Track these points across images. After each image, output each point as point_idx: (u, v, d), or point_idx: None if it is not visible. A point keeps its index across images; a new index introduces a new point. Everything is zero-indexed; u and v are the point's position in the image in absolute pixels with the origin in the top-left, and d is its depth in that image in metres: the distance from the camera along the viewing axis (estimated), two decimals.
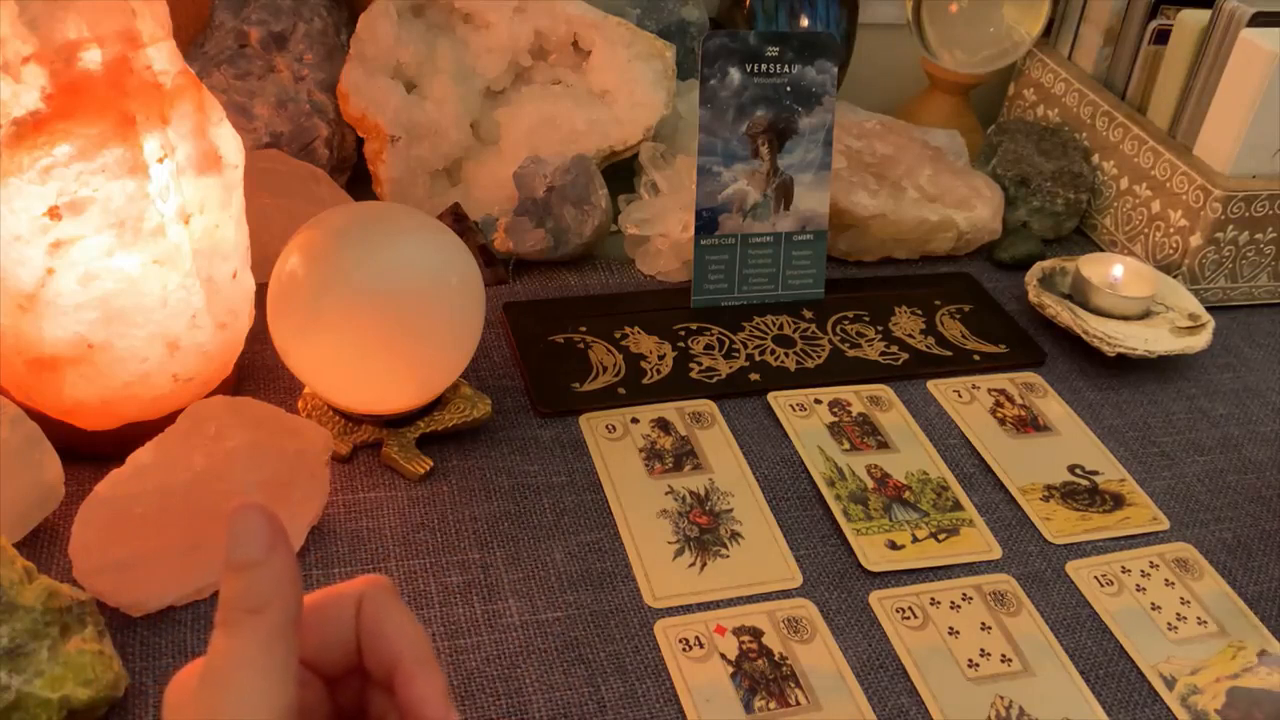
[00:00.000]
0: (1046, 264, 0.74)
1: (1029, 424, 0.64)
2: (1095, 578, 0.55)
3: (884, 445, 0.61)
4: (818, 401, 0.64)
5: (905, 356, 0.68)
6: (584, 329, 0.66)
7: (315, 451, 0.50)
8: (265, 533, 0.26)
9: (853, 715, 0.47)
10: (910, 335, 0.70)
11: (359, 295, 0.51)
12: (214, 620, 0.26)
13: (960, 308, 0.73)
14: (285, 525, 0.26)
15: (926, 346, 0.69)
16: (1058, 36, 0.89)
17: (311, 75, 0.71)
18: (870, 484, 0.58)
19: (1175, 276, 0.75)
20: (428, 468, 0.55)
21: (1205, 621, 0.53)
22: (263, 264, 0.56)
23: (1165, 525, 0.58)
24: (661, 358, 0.65)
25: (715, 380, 0.64)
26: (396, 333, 0.51)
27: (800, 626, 0.50)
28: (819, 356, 0.67)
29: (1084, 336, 0.68)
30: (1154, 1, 0.80)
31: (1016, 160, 0.81)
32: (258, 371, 0.60)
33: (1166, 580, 0.55)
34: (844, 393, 0.64)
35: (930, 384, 0.66)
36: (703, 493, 0.56)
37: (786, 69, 0.67)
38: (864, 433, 0.62)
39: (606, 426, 0.60)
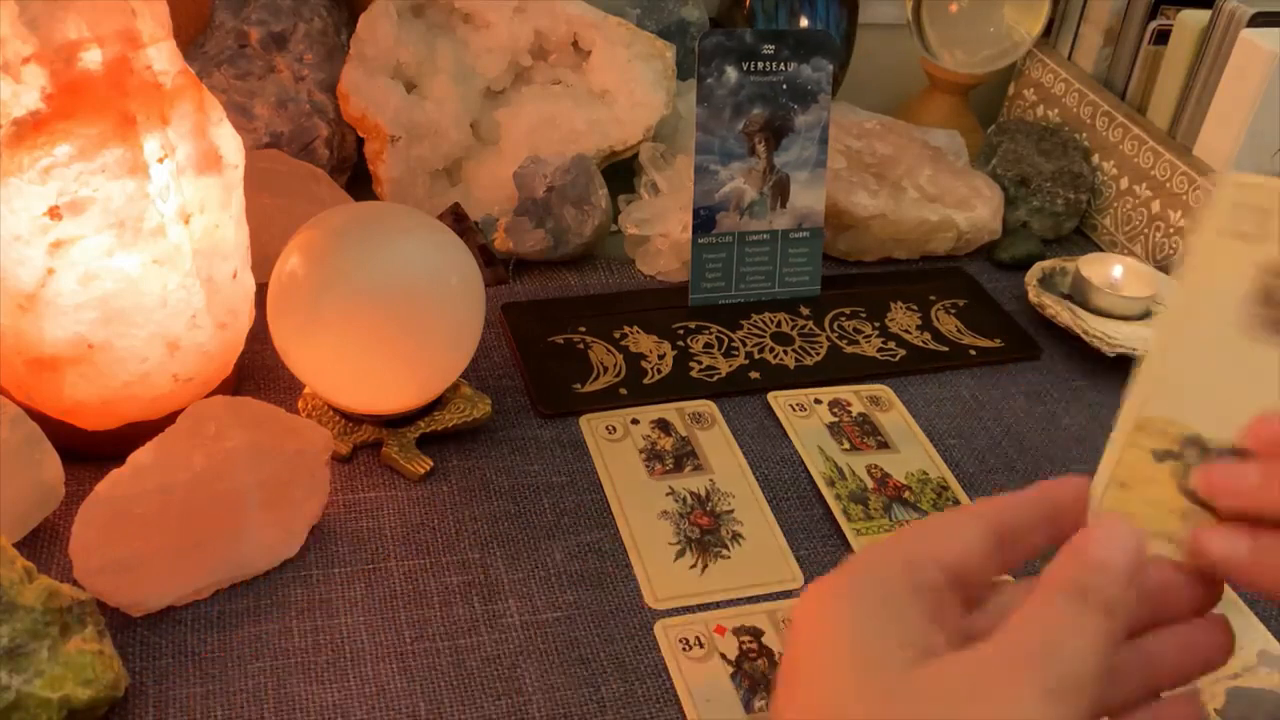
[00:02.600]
0: (1046, 264, 0.74)
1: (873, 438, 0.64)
2: None
3: (884, 445, 0.61)
4: (818, 401, 0.64)
5: (902, 353, 0.68)
6: (584, 329, 0.66)
7: (315, 451, 0.50)
8: (1135, 561, 0.28)
9: None
10: (906, 331, 0.70)
11: (359, 295, 0.51)
12: (1049, 586, 0.27)
13: (955, 303, 0.73)
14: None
15: (923, 342, 0.69)
16: (1058, 36, 0.89)
17: (312, 75, 0.71)
18: (870, 484, 0.58)
19: (1175, 277, 0.75)
20: (428, 468, 0.55)
21: None
22: (263, 264, 0.56)
23: None
24: (661, 357, 0.65)
25: (715, 379, 0.64)
26: (396, 333, 0.51)
27: None
28: (818, 354, 0.67)
29: (1084, 336, 0.68)
30: (1154, 2, 0.80)
31: (1016, 160, 0.81)
32: (258, 371, 0.60)
33: None
34: (844, 392, 0.64)
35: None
36: (704, 494, 0.56)
37: (782, 67, 0.67)
38: (864, 433, 0.62)
39: (607, 427, 0.60)
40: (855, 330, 0.69)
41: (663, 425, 0.60)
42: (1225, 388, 0.31)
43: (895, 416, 0.63)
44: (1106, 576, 0.27)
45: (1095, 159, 0.83)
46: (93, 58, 0.45)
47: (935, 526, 0.29)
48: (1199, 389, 0.31)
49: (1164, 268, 0.76)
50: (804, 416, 0.62)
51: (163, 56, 0.47)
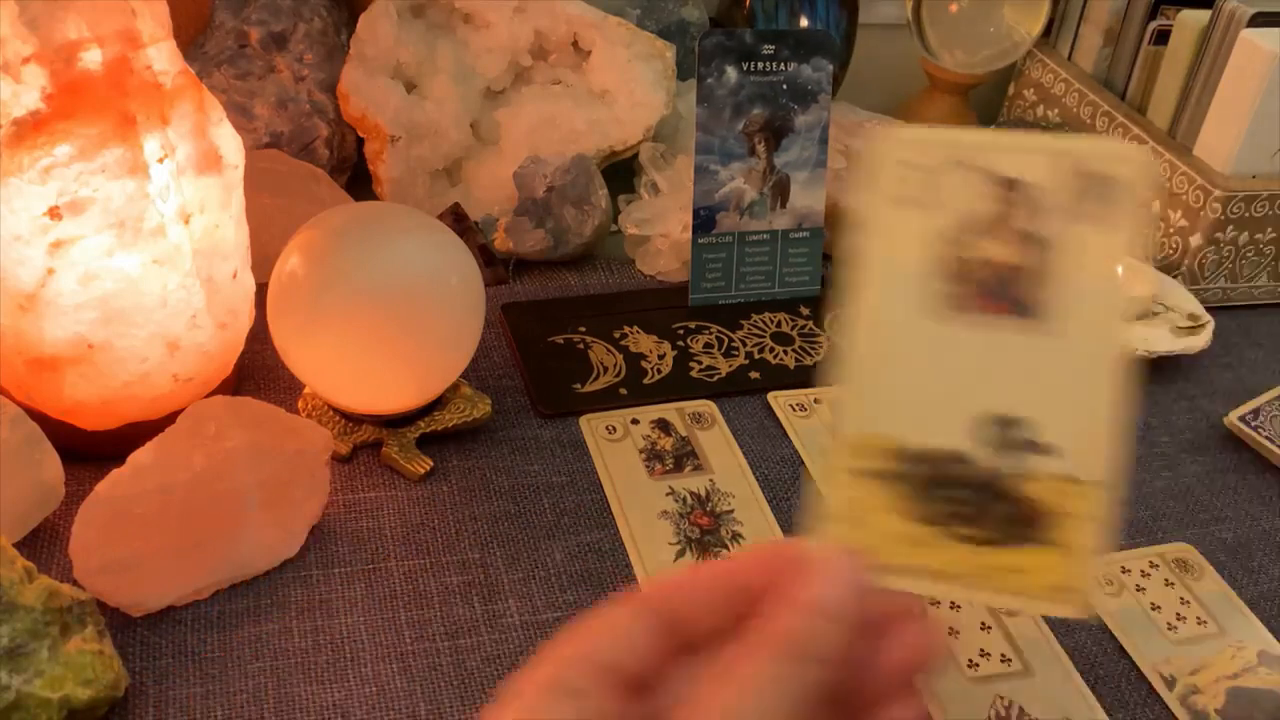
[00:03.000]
0: None
1: None
2: (1095, 578, 0.55)
3: None
4: (818, 401, 0.63)
5: None
6: (584, 329, 0.66)
7: (315, 451, 0.50)
8: (858, 597, 0.26)
9: None
10: None
11: (359, 295, 0.51)
12: (752, 638, 0.26)
13: None
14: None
15: None
16: (1058, 36, 0.89)
17: (312, 75, 0.71)
18: None
19: (1175, 277, 0.75)
20: (428, 468, 0.55)
21: (1205, 621, 0.53)
22: (263, 264, 0.56)
23: None
24: (661, 357, 0.65)
25: (715, 379, 0.64)
26: (396, 333, 0.51)
27: None
28: (818, 354, 0.67)
29: None
30: (1154, 2, 0.80)
31: None
32: (258, 371, 0.60)
33: (1166, 580, 0.55)
34: None
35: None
36: (704, 494, 0.56)
37: (783, 67, 0.67)
38: None
39: (606, 428, 0.60)
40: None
41: (663, 425, 0.60)
42: (928, 384, 0.28)
43: None
44: (818, 624, 0.26)
45: None
46: (93, 58, 0.45)
47: (592, 625, 0.28)
48: (901, 391, 0.28)
49: (1165, 268, 0.76)
50: (804, 416, 0.62)
51: (163, 56, 0.47)
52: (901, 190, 0.28)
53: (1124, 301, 0.28)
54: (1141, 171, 0.27)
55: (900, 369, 0.28)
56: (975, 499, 0.28)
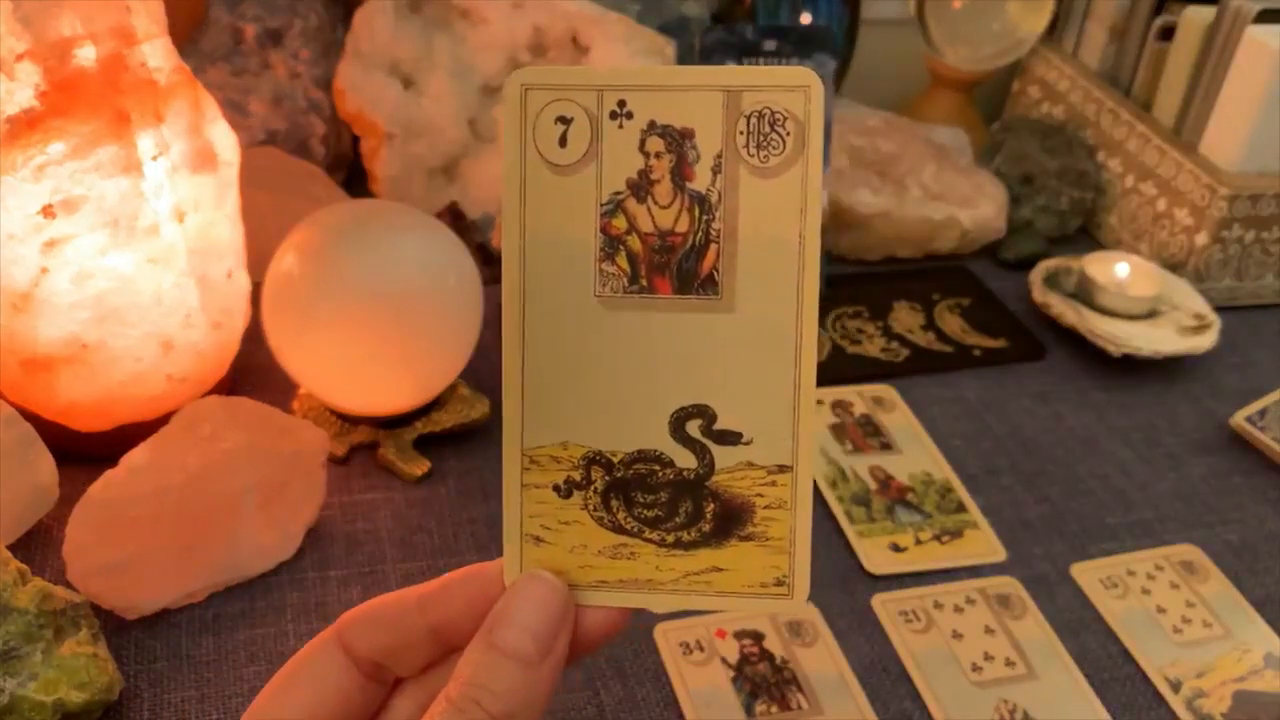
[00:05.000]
0: (1051, 263, 0.74)
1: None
2: (1100, 580, 0.54)
3: (887, 447, 0.61)
4: (820, 402, 0.63)
5: (906, 353, 0.67)
6: None
7: (311, 452, 0.50)
8: (555, 625, 0.24)
9: (855, 719, 0.46)
10: (910, 331, 0.69)
11: (355, 294, 0.50)
12: (446, 692, 0.24)
13: (959, 302, 0.72)
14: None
15: (927, 343, 0.68)
16: (1062, 33, 0.88)
17: (308, 72, 0.71)
18: (873, 486, 0.58)
19: (1181, 275, 0.75)
20: (425, 469, 0.54)
21: (1211, 624, 0.53)
22: (258, 263, 0.55)
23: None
24: None
25: None
26: (393, 332, 0.51)
27: (802, 630, 0.49)
28: (821, 354, 0.66)
29: (1088, 337, 0.68)
30: None
31: (1021, 158, 0.81)
32: (253, 372, 0.59)
33: (1172, 583, 0.55)
34: (847, 393, 0.64)
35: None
36: None
37: (784, 64, 0.66)
38: (867, 434, 0.61)
39: None
40: (858, 330, 0.69)
41: None
42: (605, 381, 0.25)
43: (899, 417, 0.63)
44: (503, 667, 0.24)
45: (1100, 156, 0.82)
46: (87, 55, 0.44)
47: (293, 677, 0.27)
48: (575, 393, 0.25)
49: (1170, 267, 0.75)
50: None
51: (157, 53, 0.47)
52: (556, 149, 0.24)
53: (802, 264, 0.24)
54: (815, 102, 0.24)
55: (572, 368, 0.25)
56: (667, 500, 0.26)
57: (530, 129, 0.24)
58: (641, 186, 0.24)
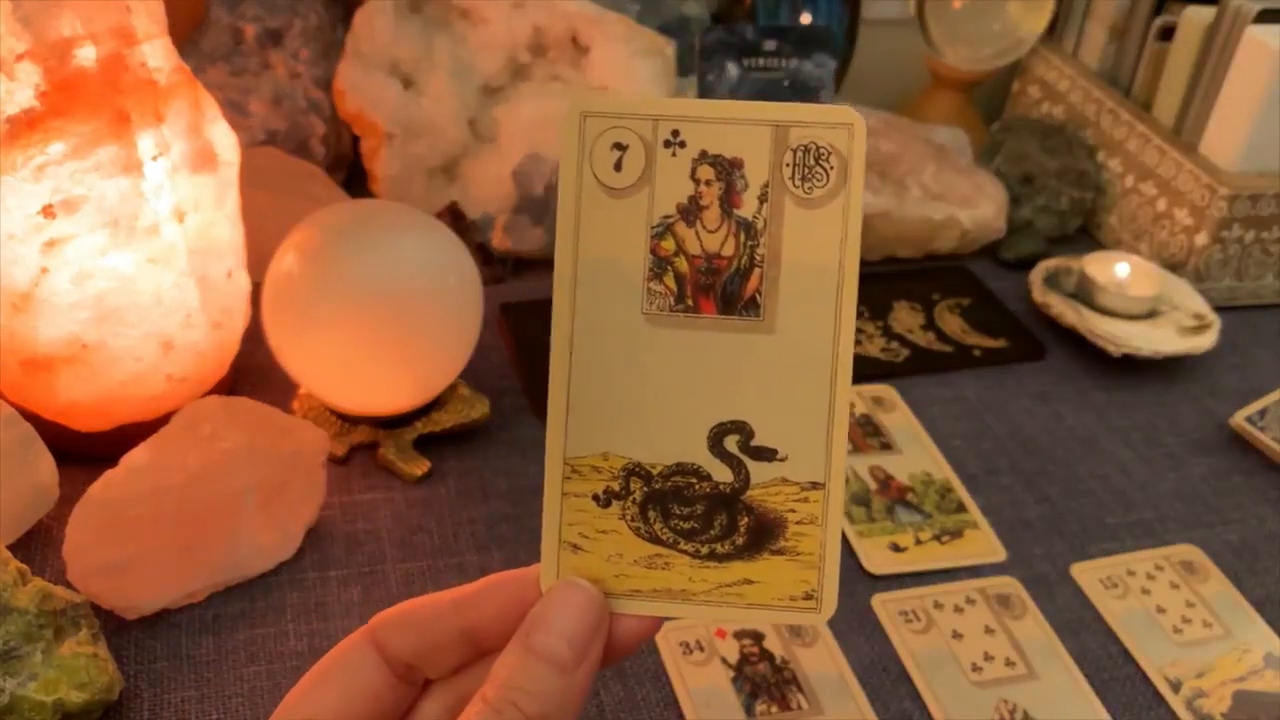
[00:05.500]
0: (1051, 263, 0.74)
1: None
2: (1100, 580, 0.54)
3: (887, 447, 0.61)
4: None
5: (906, 353, 0.67)
6: None
7: (311, 453, 0.50)
8: (591, 631, 0.25)
9: (855, 719, 0.46)
10: (910, 331, 0.69)
11: (355, 294, 0.50)
12: (482, 693, 0.24)
13: (959, 302, 0.72)
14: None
15: (926, 343, 0.68)
16: (1062, 33, 0.88)
17: (308, 72, 0.71)
18: (873, 486, 0.58)
19: (1181, 275, 0.75)
20: (425, 469, 0.54)
21: (1211, 624, 0.53)
22: (258, 263, 0.55)
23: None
24: None
25: None
26: (393, 333, 0.51)
27: (802, 630, 0.49)
28: None
29: (1089, 337, 0.68)
30: None
31: (1021, 158, 0.81)
32: (253, 372, 0.59)
33: (1172, 583, 0.55)
34: None
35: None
36: None
37: (784, 63, 0.66)
38: (867, 434, 0.61)
39: None
40: (858, 330, 0.69)
41: None
42: (648, 395, 0.26)
43: (899, 417, 0.63)
44: (540, 671, 0.24)
45: (1100, 156, 0.82)
46: (87, 55, 0.44)
47: (325, 674, 0.27)
48: (619, 406, 0.26)
49: (1170, 267, 0.75)
50: None
51: (158, 53, 0.47)
52: (611, 173, 0.25)
53: (840, 290, 0.26)
54: (858, 139, 0.26)
55: (616, 381, 0.26)
56: (703, 513, 0.27)
57: (587, 153, 0.25)
58: (691, 211, 0.25)
